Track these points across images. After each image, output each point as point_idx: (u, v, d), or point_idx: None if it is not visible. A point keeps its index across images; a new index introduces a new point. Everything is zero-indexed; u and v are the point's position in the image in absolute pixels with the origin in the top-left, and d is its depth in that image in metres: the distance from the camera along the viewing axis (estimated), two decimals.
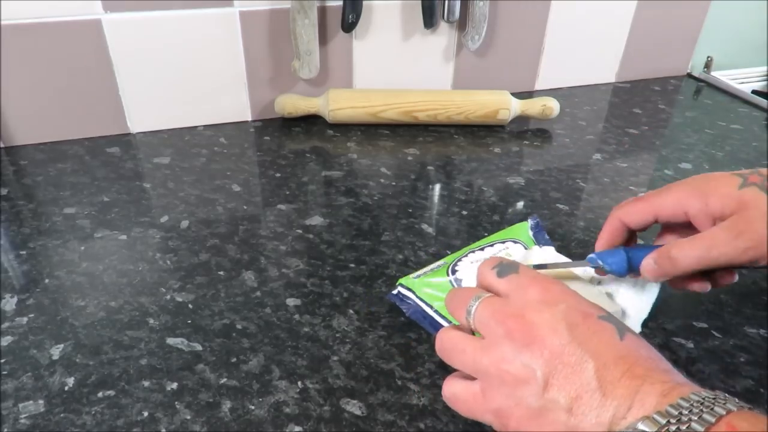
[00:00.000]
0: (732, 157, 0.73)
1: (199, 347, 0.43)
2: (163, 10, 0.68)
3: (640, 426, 0.24)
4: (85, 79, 0.69)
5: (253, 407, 0.39)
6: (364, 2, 0.72)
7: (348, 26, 0.73)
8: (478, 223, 0.58)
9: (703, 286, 0.39)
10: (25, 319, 0.45)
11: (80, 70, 0.68)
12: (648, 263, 0.38)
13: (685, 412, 0.24)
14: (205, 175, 0.66)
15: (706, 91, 0.94)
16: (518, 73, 0.88)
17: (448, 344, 0.33)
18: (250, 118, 0.79)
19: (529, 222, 0.52)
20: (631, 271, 0.40)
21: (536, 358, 0.28)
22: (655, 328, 0.46)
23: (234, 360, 0.42)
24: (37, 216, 0.58)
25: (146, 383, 0.40)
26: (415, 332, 0.45)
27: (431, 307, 0.44)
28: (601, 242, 0.42)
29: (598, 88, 0.93)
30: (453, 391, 0.33)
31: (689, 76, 0.99)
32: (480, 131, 0.78)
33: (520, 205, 0.62)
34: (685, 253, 0.36)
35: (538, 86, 0.91)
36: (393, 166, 0.69)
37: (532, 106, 0.78)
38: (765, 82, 1.03)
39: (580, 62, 0.91)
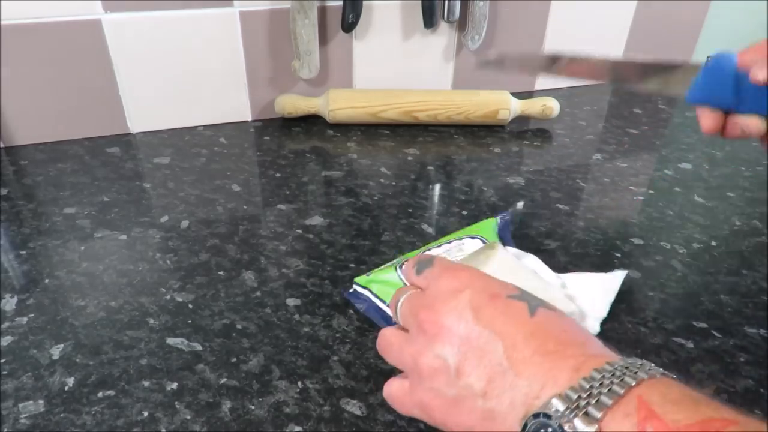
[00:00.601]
0: (732, 157, 0.73)
1: (199, 347, 0.43)
2: (163, 10, 0.68)
3: (554, 403, 0.24)
4: (85, 79, 0.69)
5: (253, 407, 0.39)
6: (364, 2, 0.72)
7: (348, 26, 0.73)
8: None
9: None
10: (25, 319, 0.45)
11: (80, 70, 0.68)
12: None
13: (596, 384, 0.24)
14: (205, 175, 0.66)
15: None
16: (518, 73, 0.88)
17: (382, 341, 0.33)
18: (250, 118, 0.79)
19: (498, 220, 0.51)
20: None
21: (446, 347, 0.28)
22: (655, 328, 0.46)
23: (234, 360, 0.42)
24: (37, 216, 0.58)
25: (146, 383, 0.40)
26: None
27: (384, 302, 0.45)
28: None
29: (598, 88, 0.93)
30: (389, 390, 0.33)
31: None
32: (480, 131, 0.78)
33: (520, 205, 0.62)
34: None
35: (538, 86, 0.91)
36: (393, 166, 0.69)
37: (532, 106, 0.78)
38: None
39: None
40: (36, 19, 0.64)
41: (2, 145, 0.70)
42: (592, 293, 0.46)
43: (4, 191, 0.62)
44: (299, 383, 0.41)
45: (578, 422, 0.23)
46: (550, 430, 0.24)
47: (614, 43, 0.91)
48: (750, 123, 0.36)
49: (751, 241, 0.57)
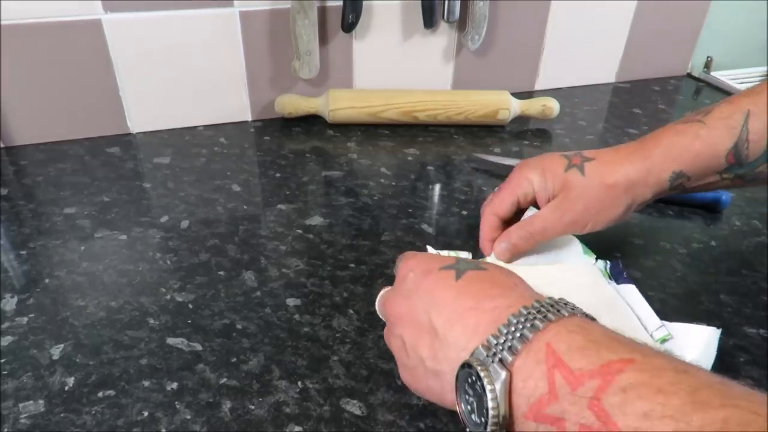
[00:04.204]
0: None
1: (199, 347, 0.43)
2: (163, 10, 0.68)
3: (477, 351, 0.27)
4: (85, 79, 0.69)
5: (253, 407, 0.39)
6: (364, 2, 0.72)
7: (348, 26, 0.73)
8: (478, 223, 0.58)
9: None
10: (25, 319, 0.45)
11: (80, 70, 0.68)
12: (499, 246, 0.47)
13: (511, 329, 0.27)
14: (205, 175, 0.66)
15: (706, 91, 0.94)
16: (518, 73, 0.88)
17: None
18: (250, 118, 0.79)
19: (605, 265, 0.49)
20: None
21: (401, 328, 0.33)
22: None
23: (234, 360, 0.42)
24: (37, 216, 0.58)
25: (146, 383, 0.40)
26: None
27: None
28: (484, 241, 0.50)
29: (598, 88, 0.93)
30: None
31: (689, 76, 0.99)
32: (480, 131, 0.78)
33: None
34: (524, 239, 0.46)
35: (538, 86, 0.90)
36: (393, 166, 0.69)
37: (532, 106, 0.78)
38: None
39: (580, 62, 0.91)
40: (36, 19, 0.64)
41: (2, 145, 0.70)
42: (695, 351, 0.40)
43: (4, 191, 0.62)
44: (299, 383, 0.41)
45: (494, 367, 0.26)
46: (472, 376, 0.27)
47: (614, 43, 0.91)
48: None
49: (751, 241, 0.57)
